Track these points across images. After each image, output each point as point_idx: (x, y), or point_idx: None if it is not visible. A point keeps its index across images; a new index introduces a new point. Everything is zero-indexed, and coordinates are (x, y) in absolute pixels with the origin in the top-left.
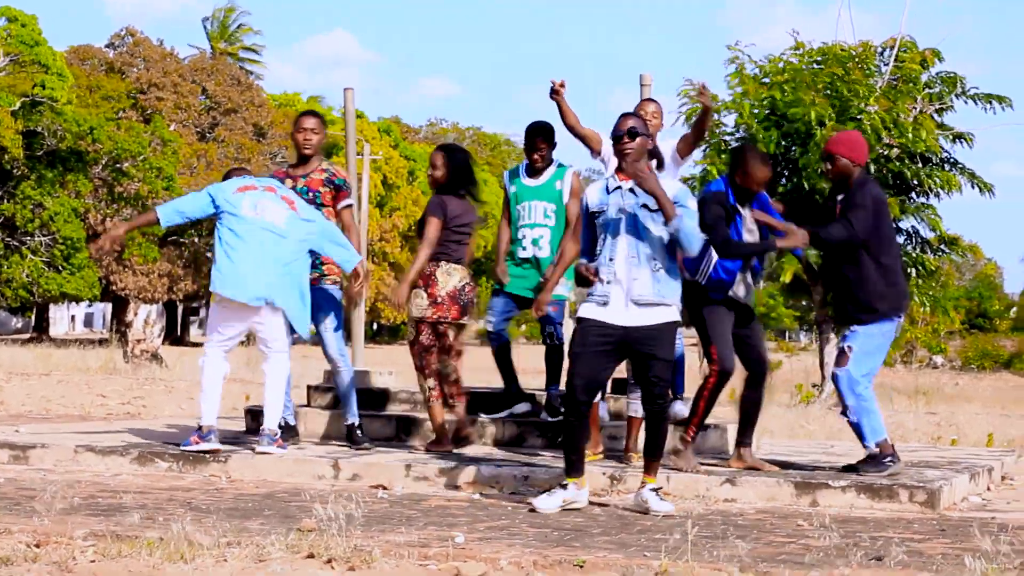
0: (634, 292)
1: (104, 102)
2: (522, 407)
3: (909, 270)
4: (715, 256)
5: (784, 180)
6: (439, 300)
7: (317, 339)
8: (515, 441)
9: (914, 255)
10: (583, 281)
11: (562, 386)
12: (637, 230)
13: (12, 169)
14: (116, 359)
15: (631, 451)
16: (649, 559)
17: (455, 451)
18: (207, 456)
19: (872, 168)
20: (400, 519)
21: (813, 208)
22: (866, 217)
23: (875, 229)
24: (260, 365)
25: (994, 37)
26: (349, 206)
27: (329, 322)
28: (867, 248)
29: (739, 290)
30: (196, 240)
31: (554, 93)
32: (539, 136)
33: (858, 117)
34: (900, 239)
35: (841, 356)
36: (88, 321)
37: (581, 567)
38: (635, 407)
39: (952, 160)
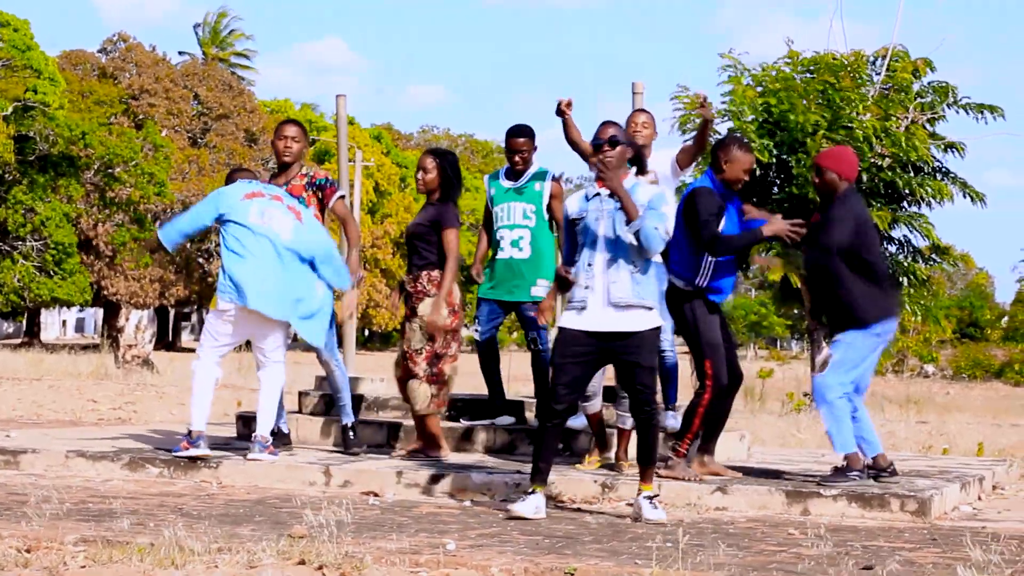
0: (613, 295)
1: (96, 107)
2: (505, 420)
3: (901, 279)
4: (712, 261)
5: (776, 189)
6: (455, 308)
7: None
8: (506, 448)
9: (906, 264)
10: (564, 285)
11: None
12: (616, 234)
13: (4, 174)
14: (107, 364)
15: (622, 460)
16: (640, 567)
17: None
18: (198, 462)
19: (864, 177)
20: (391, 526)
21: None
22: (842, 230)
23: (858, 243)
24: (256, 372)
25: (986, 47)
26: (342, 197)
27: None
28: (850, 261)
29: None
30: (188, 246)
31: (560, 112)
32: (519, 139)
33: (850, 126)
34: (892, 248)
35: (824, 364)
36: (79, 326)
37: (572, 575)
38: (624, 420)
39: (944, 169)
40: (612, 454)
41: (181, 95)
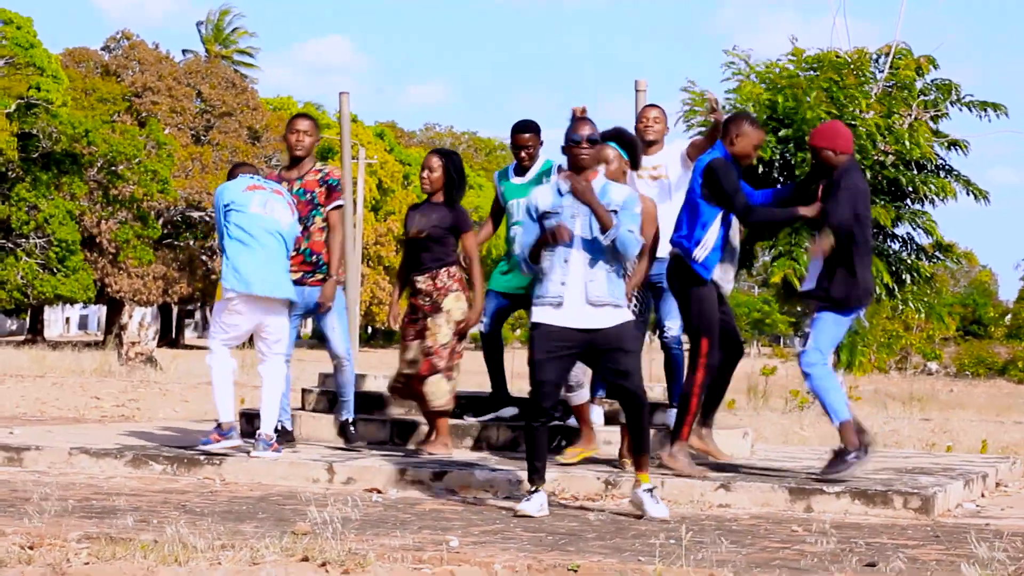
0: (590, 294)
1: (99, 104)
2: (509, 411)
3: (904, 276)
4: (716, 232)
5: (780, 185)
6: (470, 304)
7: (313, 339)
8: (509, 445)
9: (909, 261)
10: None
11: None
12: (592, 232)
13: (7, 171)
14: (111, 361)
15: (625, 456)
16: (643, 564)
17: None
18: (201, 458)
19: (868, 174)
20: (394, 523)
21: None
22: (846, 201)
23: (852, 218)
24: (256, 368)
25: (989, 45)
26: (339, 207)
27: (334, 321)
28: (844, 238)
29: (726, 286)
30: (191, 243)
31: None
32: (524, 134)
33: (853, 123)
34: (895, 246)
35: (804, 339)
36: (83, 323)
37: (575, 571)
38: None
39: (947, 167)
40: (593, 446)
41: (184, 93)
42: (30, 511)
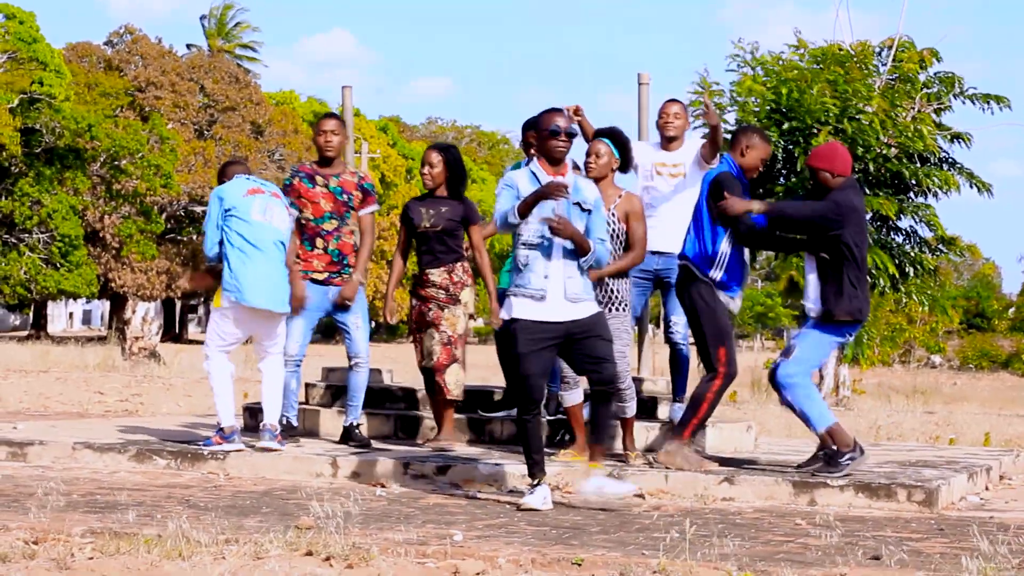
0: (569, 290)
1: (102, 99)
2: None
3: (907, 269)
4: (728, 250)
5: (783, 180)
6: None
7: (316, 334)
8: (514, 440)
9: (912, 254)
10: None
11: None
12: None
13: (10, 166)
14: (114, 356)
15: (629, 450)
16: (647, 557)
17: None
18: (205, 453)
19: (871, 167)
20: (398, 517)
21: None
22: (828, 211)
23: (843, 236)
24: (258, 364)
25: (992, 37)
26: (373, 212)
27: (358, 319)
28: (833, 254)
29: (735, 304)
30: (194, 237)
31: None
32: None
33: (857, 117)
34: (899, 238)
35: (787, 351)
36: (86, 318)
37: (579, 565)
38: (624, 408)
39: (950, 160)
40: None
41: (187, 87)
42: (34, 506)
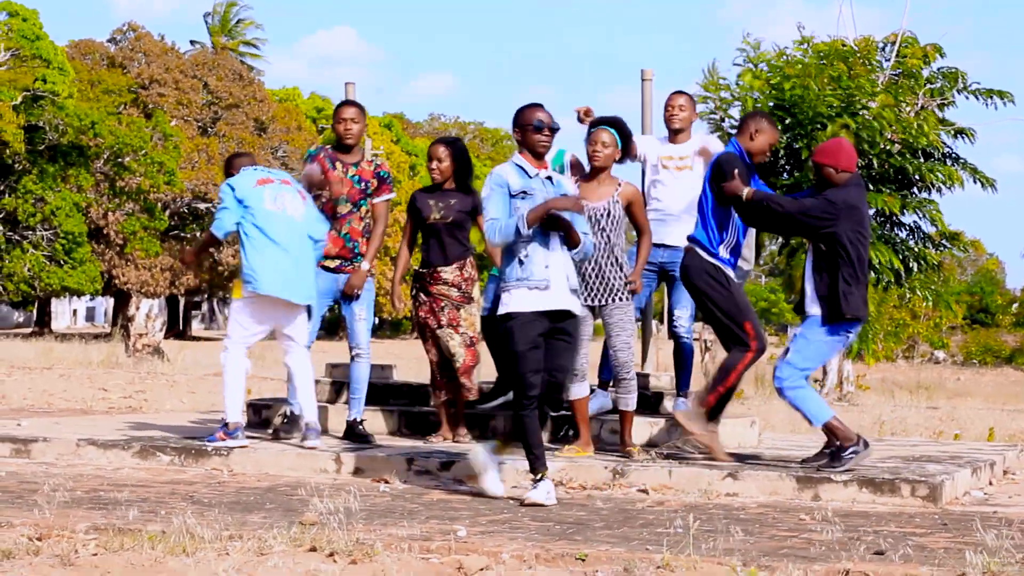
0: (571, 280)
1: (105, 96)
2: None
3: (911, 264)
4: (737, 230)
5: (786, 175)
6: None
7: (320, 330)
8: (514, 435)
9: (916, 250)
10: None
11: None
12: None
13: (14, 163)
14: (118, 353)
15: (629, 445)
16: (651, 552)
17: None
18: (209, 449)
19: (874, 163)
20: (402, 513)
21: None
22: (822, 210)
23: (837, 233)
24: (284, 359)
25: (995, 32)
26: (388, 199)
27: (362, 311)
28: (828, 250)
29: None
30: (198, 234)
31: (581, 121)
32: None
33: (861, 112)
34: (902, 234)
35: (784, 352)
36: (90, 315)
37: (583, 560)
38: (624, 401)
39: (954, 155)
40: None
41: (191, 85)
42: (38, 502)
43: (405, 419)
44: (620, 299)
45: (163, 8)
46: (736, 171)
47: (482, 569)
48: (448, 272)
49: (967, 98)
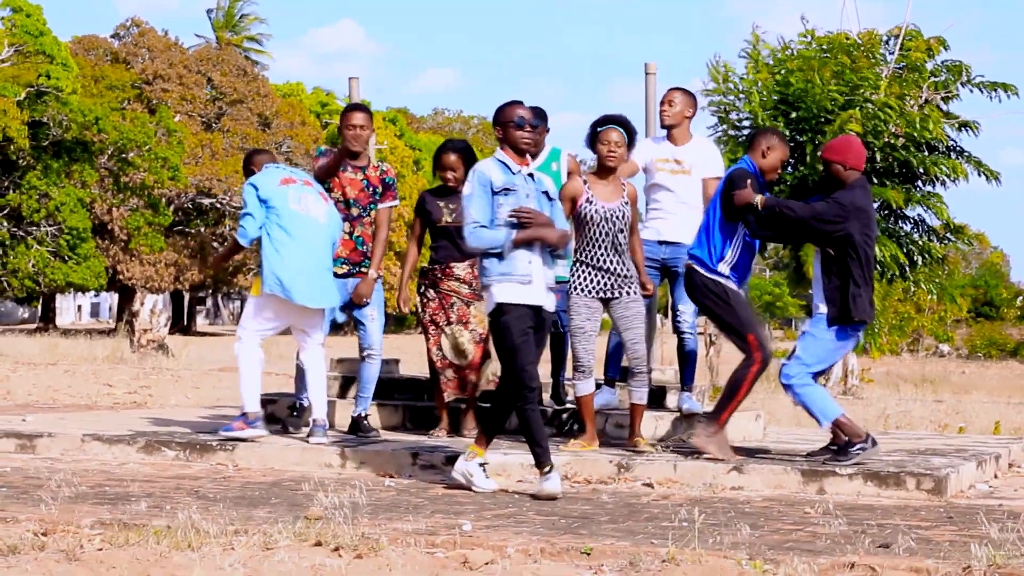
0: (548, 278)
1: (108, 92)
2: None
3: (916, 258)
4: (739, 247)
5: (791, 169)
6: None
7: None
8: (521, 429)
9: (920, 243)
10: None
11: (567, 373)
12: (546, 215)
13: (18, 159)
14: (123, 349)
15: (637, 437)
16: (656, 546)
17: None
18: (214, 444)
19: (878, 157)
20: (407, 507)
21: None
22: (833, 213)
23: (850, 235)
24: (299, 354)
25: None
26: (392, 206)
27: (373, 312)
28: (838, 252)
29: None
30: (202, 230)
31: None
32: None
33: (865, 105)
34: (907, 227)
35: (792, 351)
36: (95, 311)
37: (588, 554)
38: (636, 395)
39: (958, 148)
40: (595, 444)
41: (195, 80)
42: (43, 498)
43: (409, 413)
44: (632, 292)
45: (167, 4)
46: (749, 181)
47: (487, 563)
48: (460, 268)
49: (971, 91)
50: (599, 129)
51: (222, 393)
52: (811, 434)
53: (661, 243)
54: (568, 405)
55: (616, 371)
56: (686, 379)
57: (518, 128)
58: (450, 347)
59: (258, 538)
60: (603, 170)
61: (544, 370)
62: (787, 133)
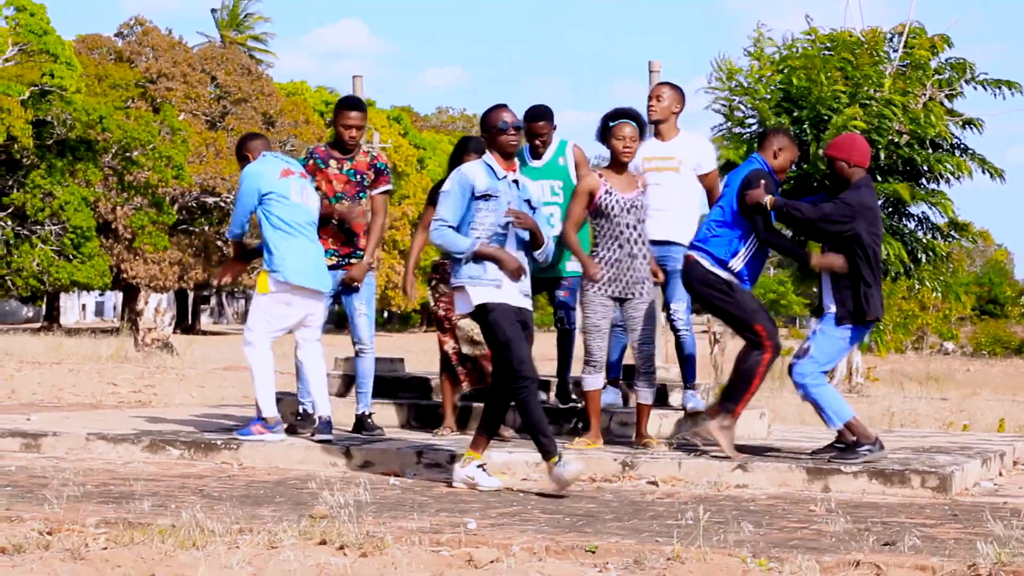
0: (522, 284)
1: (112, 91)
2: None
3: (920, 255)
4: (752, 245)
5: (794, 166)
6: None
7: (329, 324)
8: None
9: (924, 241)
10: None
11: (574, 372)
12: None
13: (22, 158)
14: (127, 348)
15: (645, 436)
16: (661, 544)
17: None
18: (218, 443)
19: (882, 154)
20: (412, 505)
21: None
22: (841, 213)
23: (857, 234)
24: (296, 353)
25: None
26: (386, 192)
27: (363, 306)
28: (847, 253)
29: None
30: (206, 228)
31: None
32: (539, 121)
33: (868, 103)
34: (911, 224)
35: (804, 351)
36: (99, 310)
37: (593, 552)
38: (644, 395)
39: (962, 146)
40: (600, 442)
41: (199, 79)
42: (48, 497)
43: (414, 412)
44: (645, 293)
45: (170, 3)
46: (763, 182)
47: (492, 561)
48: None
49: (975, 89)
50: (611, 124)
51: (227, 392)
52: (816, 432)
53: (654, 243)
54: (572, 404)
55: (618, 371)
56: (688, 376)
57: (502, 132)
58: (465, 340)
59: (263, 537)
60: (617, 165)
61: (549, 368)
62: (793, 128)
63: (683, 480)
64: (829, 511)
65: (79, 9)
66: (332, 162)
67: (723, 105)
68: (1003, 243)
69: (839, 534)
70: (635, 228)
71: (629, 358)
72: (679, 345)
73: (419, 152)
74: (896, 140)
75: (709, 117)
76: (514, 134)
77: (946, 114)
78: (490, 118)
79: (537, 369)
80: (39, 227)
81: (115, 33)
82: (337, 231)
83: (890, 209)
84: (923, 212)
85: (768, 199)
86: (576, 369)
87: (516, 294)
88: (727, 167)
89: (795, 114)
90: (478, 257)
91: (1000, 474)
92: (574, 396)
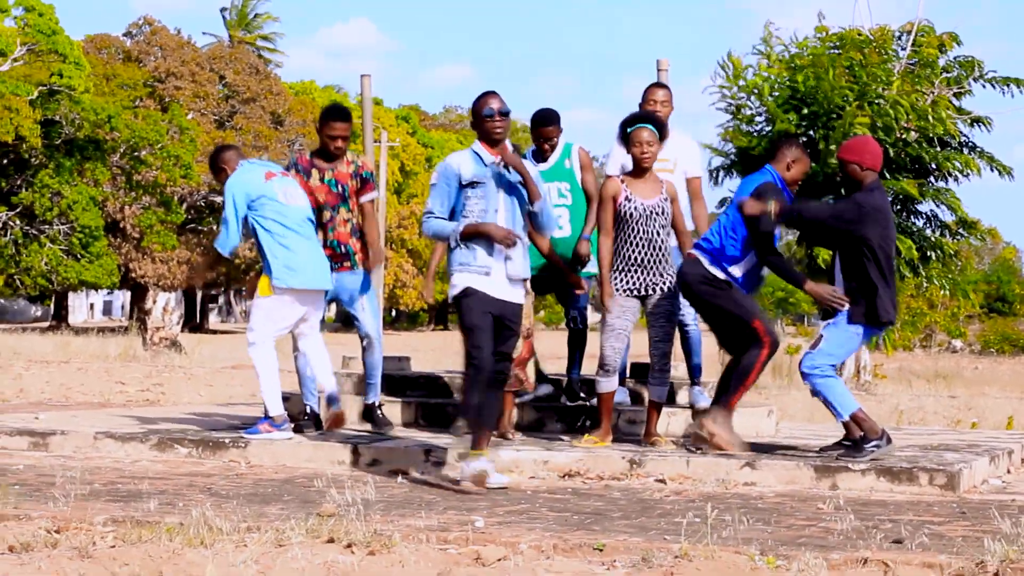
0: (509, 270)
1: (120, 91)
2: (544, 388)
3: (928, 253)
4: (753, 257)
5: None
6: None
7: (337, 323)
8: (535, 426)
9: (933, 239)
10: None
11: (583, 370)
12: (514, 208)
13: (30, 158)
14: (135, 347)
15: (654, 435)
16: (669, 542)
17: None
18: (226, 441)
19: (891, 152)
20: (420, 503)
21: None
22: (846, 211)
23: (867, 236)
24: (298, 345)
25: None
26: (372, 200)
27: (363, 302)
28: (856, 253)
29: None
30: (214, 228)
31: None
32: (546, 126)
33: (876, 101)
34: (919, 222)
35: (816, 343)
36: (107, 309)
37: (601, 550)
38: (656, 392)
39: (971, 144)
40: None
41: (207, 78)
42: (56, 495)
43: (422, 410)
44: (667, 290)
45: (179, 2)
46: (772, 199)
47: (500, 559)
48: None
49: (984, 86)
50: (629, 129)
51: (235, 391)
52: (824, 430)
53: None
54: (581, 402)
55: (624, 370)
56: (694, 372)
57: (487, 119)
58: None
59: (271, 535)
60: (639, 170)
61: (557, 367)
62: (801, 126)
63: (691, 478)
64: (837, 509)
65: (87, 9)
66: (314, 172)
67: (730, 104)
68: (1011, 241)
69: (847, 532)
70: (658, 234)
71: (636, 356)
72: (685, 340)
73: (427, 151)
74: (904, 138)
75: (713, 115)
76: (500, 120)
77: (955, 112)
78: (477, 105)
79: (539, 371)
80: (47, 226)
81: (123, 33)
82: (324, 244)
83: (899, 207)
84: (931, 210)
85: (772, 206)
86: (587, 368)
87: (503, 286)
88: (740, 155)
89: (803, 112)
90: (467, 240)
91: (1008, 472)
92: (582, 395)
